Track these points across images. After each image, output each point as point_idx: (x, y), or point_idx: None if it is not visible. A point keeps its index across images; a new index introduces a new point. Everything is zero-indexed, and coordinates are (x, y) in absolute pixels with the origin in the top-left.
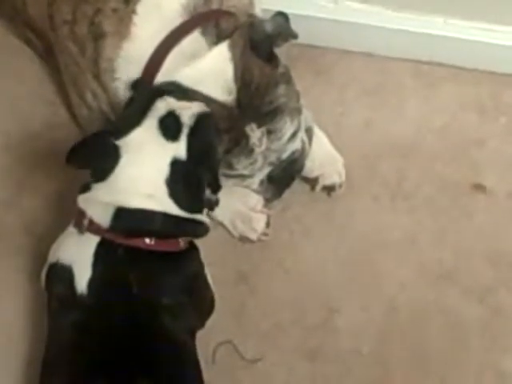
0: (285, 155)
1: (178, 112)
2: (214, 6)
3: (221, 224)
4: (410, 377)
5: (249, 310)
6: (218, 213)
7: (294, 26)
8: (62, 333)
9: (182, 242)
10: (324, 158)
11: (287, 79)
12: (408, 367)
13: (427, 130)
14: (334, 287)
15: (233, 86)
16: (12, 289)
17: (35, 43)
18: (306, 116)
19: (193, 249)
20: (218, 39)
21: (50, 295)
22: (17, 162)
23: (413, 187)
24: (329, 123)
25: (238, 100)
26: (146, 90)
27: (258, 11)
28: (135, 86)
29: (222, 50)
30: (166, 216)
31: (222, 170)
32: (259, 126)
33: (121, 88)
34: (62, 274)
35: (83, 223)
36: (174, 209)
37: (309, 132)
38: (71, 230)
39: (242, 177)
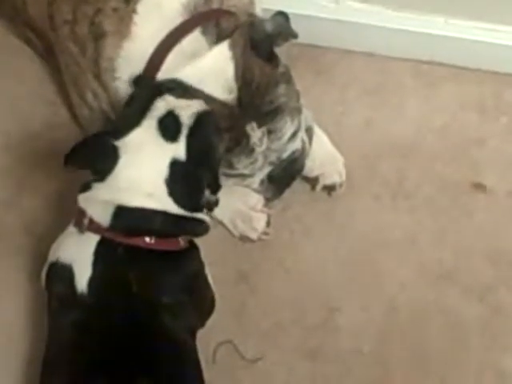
0: (285, 155)
1: (177, 112)
2: (215, 5)
3: (221, 223)
4: (409, 377)
5: (249, 310)
6: (218, 212)
7: (295, 25)
8: (62, 332)
9: (182, 241)
10: (324, 157)
11: (287, 79)
12: (408, 367)
13: (427, 130)
14: (334, 287)
15: (233, 85)
16: (12, 288)
17: (35, 43)
18: (307, 116)
19: (193, 248)
20: (218, 38)
21: (50, 294)
22: (17, 162)
23: (413, 187)
24: (329, 123)
25: (239, 99)
26: (148, 86)
27: (258, 11)
28: (137, 81)
29: (223, 49)
30: (165, 215)
31: (223, 170)
32: (260, 126)
33: (121, 87)
34: (62, 273)
35: (83, 222)
36: (173, 207)
37: (309, 132)
38: (71, 229)
39: (243, 176)
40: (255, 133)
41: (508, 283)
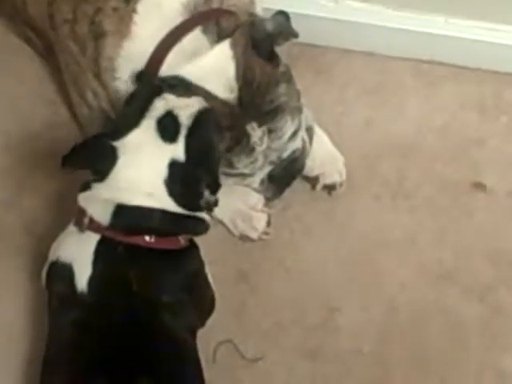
0: (285, 154)
1: (176, 112)
2: (215, 4)
3: (221, 223)
4: (409, 377)
5: (249, 309)
6: (219, 211)
7: (295, 25)
8: (62, 331)
9: (182, 240)
10: (324, 157)
11: (288, 78)
12: (408, 367)
13: (427, 130)
14: (334, 287)
15: (234, 85)
16: (12, 288)
17: (35, 42)
18: (307, 115)
19: (193, 247)
20: (219, 38)
21: (51, 294)
22: (17, 162)
23: (413, 186)
24: (329, 122)
25: (240, 98)
26: (148, 84)
27: (258, 10)
28: (140, 77)
29: (224, 48)
30: (165, 213)
31: (223, 169)
32: (260, 125)
33: (121, 87)
34: (62, 273)
35: (83, 221)
36: (173, 206)
37: (309, 131)
38: (71, 228)
39: (243, 176)
40: (256, 132)
41: (508, 283)
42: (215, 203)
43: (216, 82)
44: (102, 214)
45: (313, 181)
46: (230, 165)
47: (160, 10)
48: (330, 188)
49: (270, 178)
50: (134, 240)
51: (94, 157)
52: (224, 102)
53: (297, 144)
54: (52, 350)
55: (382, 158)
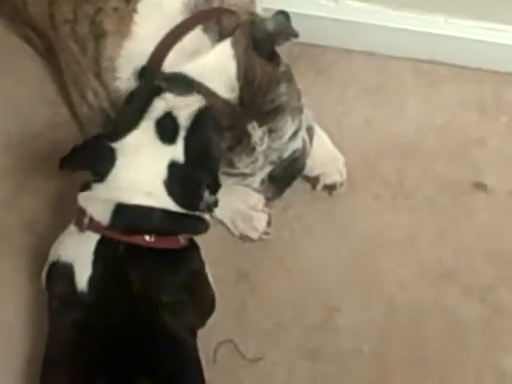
0: (286, 154)
1: (175, 113)
2: (215, 4)
3: (221, 222)
4: (409, 376)
5: (249, 309)
6: (219, 211)
7: (295, 24)
8: (62, 331)
9: (182, 240)
10: (325, 156)
11: (288, 78)
12: (408, 367)
13: (428, 129)
14: (334, 286)
15: (235, 84)
16: (12, 288)
17: (36, 42)
18: (307, 115)
19: (193, 247)
20: (220, 37)
21: (51, 294)
22: (17, 162)
23: (413, 186)
24: (329, 122)
25: (241, 98)
26: (149, 82)
27: (259, 10)
28: (142, 72)
29: (226, 47)
30: (165, 212)
31: (223, 169)
32: (261, 125)
33: (122, 87)
34: (62, 272)
35: (83, 221)
36: (173, 206)
37: (310, 131)
38: (72, 228)
39: (243, 175)
40: (256, 132)
41: (508, 283)
42: (215, 203)
43: (217, 81)
44: (101, 214)
45: (313, 181)
46: (231, 164)
47: (160, 9)
48: (330, 188)
49: (271, 177)
50: (134, 239)
51: (92, 158)
52: (225, 102)
53: (297, 144)
54: (52, 350)
55: (382, 158)
